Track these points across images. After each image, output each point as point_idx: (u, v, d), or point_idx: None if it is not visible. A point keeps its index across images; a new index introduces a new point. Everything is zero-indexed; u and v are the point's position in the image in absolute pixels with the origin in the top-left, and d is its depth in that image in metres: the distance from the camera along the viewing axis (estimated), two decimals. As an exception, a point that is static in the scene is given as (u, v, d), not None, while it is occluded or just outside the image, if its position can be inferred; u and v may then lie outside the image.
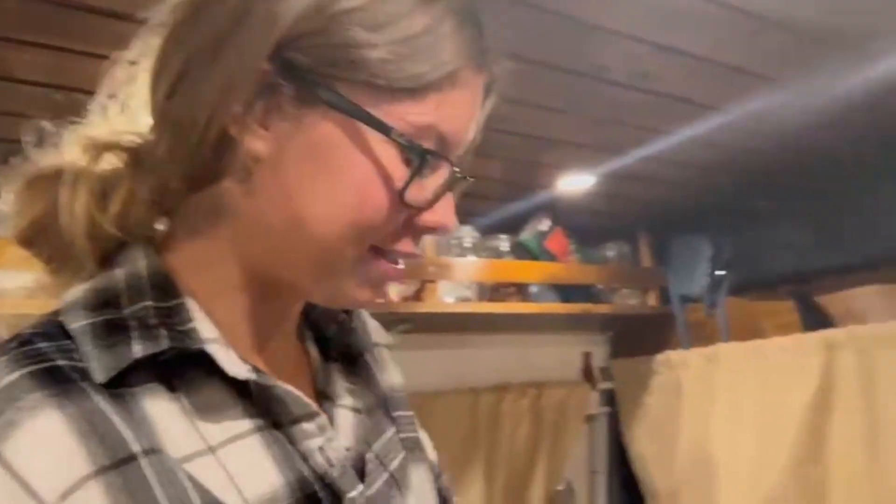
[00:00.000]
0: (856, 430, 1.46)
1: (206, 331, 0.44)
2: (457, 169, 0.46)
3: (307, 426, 0.46)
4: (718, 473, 1.62)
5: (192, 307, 0.45)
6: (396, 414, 0.59)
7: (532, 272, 1.61)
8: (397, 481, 0.53)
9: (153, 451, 0.39)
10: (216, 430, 0.42)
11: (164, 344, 0.42)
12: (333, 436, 0.48)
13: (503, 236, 1.66)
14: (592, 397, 1.97)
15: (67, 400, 0.38)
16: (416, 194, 0.45)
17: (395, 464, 0.54)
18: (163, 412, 0.41)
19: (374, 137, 0.43)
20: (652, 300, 1.87)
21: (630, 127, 1.24)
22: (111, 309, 0.43)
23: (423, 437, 0.63)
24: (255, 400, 0.45)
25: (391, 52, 0.42)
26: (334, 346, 0.56)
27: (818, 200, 1.53)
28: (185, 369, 0.43)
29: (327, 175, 0.43)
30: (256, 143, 0.44)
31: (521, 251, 1.65)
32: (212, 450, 0.42)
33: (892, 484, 1.40)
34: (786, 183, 1.54)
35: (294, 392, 0.46)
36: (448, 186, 0.46)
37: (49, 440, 0.37)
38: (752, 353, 1.64)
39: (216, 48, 0.42)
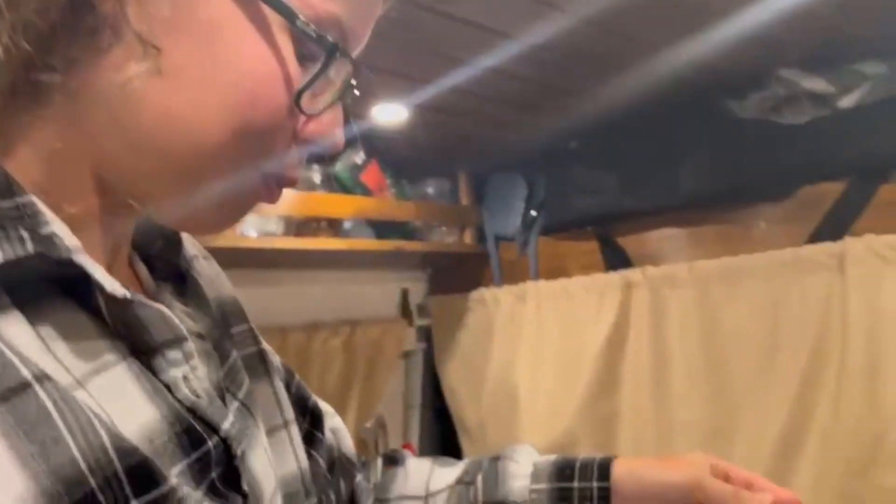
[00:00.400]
0: (645, 366, 1.54)
1: (68, 238, 0.36)
2: (364, 70, 0.41)
3: (172, 354, 0.41)
4: (521, 408, 1.67)
5: (44, 208, 0.36)
6: (234, 330, 0.55)
7: (345, 206, 1.53)
8: (249, 409, 0.49)
9: (46, 376, 0.32)
10: (78, 361, 0.36)
11: (29, 248, 0.34)
12: (197, 364, 0.43)
13: (314, 167, 1.57)
14: (409, 334, 1.97)
15: None
16: (307, 100, 0.39)
17: (243, 391, 0.50)
18: (20, 336, 0.34)
19: (275, 24, 0.38)
20: (468, 238, 1.87)
21: (436, 55, 1.18)
22: None
23: (266, 346, 0.59)
24: (116, 324, 0.38)
25: None
26: (161, 266, 0.49)
27: (622, 145, 1.56)
28: (30, 285, 0.35)
29: (216, 65, 0.37)
30: (128, 11, 0.35)
31: (334, 184, 1.57)
32: (80, 383, 0.35)
33: (673, 417, 1.50)
34: (592, 126, 1.56)
35: (168, 314, 0.40)
36: (348, 89, 0.41)
37: None
38: (557, 292, 1.69)
39: None
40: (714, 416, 1.45)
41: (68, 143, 0.38)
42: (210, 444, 0.40)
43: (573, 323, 1.65)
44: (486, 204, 1.86)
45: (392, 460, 0.71)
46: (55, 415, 0.32)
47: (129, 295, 0.37)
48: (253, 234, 1.44)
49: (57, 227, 0.36)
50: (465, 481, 0.66)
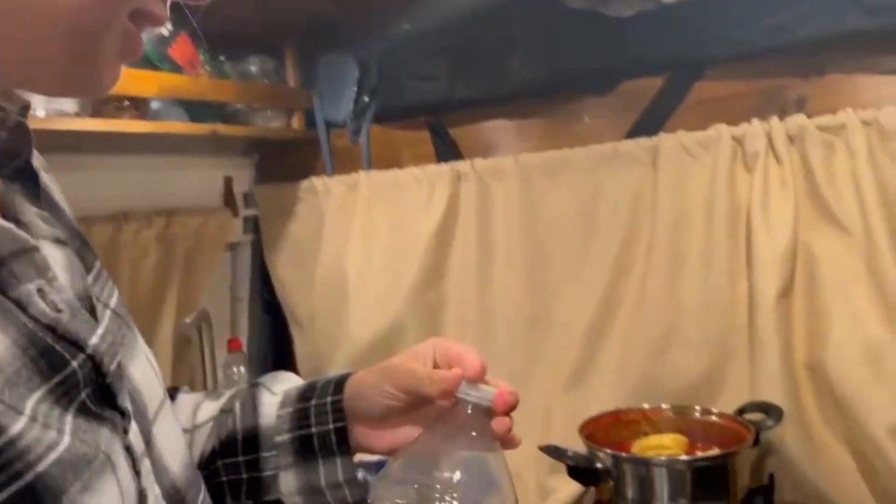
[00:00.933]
0: (471, 256, 1.56)
1: None
2: None
3: (19, 267, 0.37)
4: (351, 299, 1.66)
5: None
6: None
7: (149, 84, 1.38)
8: (122, 316, 0.47)
9: None
10: None
11: None
12: (56, 274, 0.39)
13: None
14: (235, 224, 1.87)
15: None
16: None
17: (115, 298, 0.48)
18: None
19: None
20: (297, 123, 1.77)
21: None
22: None
23: None
24: None
25: None
26: (5, 163, 0.43)
27: (454, 31, 1.50)
28: None
29: None
30: None
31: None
32: None
33: (495, 305, 1.54)
34: (425, 8, 1.48)
35: (5, 225, 0.37)
36: None
37: None
38: (389, 182, 1.65)
39: None
40: (532, 304, 1.50)
41: None
42: (74, 364, 0.37)
43: (404, 214, 1.63)
44: (317, 86, 1.75)
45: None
46: None
47: None
48: (41, 113, 1.26)
49: None
50: (225, 409, 0.66)
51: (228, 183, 1.84)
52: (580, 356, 1.43)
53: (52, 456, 0.34)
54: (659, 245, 1.33)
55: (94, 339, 0.39)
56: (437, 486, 0.52)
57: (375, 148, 1.71)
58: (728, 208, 1.26)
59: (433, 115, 1.63)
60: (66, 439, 0.36)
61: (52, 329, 0.37)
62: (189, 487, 0.49)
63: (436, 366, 0.60)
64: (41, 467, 0.33)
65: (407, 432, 0.61)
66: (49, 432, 0.35)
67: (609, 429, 1.14)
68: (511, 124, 1.55)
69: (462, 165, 1.56)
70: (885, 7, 1.09)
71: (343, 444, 0.61)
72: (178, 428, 0.52)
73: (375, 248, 1.65)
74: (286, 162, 1.85)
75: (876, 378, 1.08)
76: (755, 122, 1.23)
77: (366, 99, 1.71)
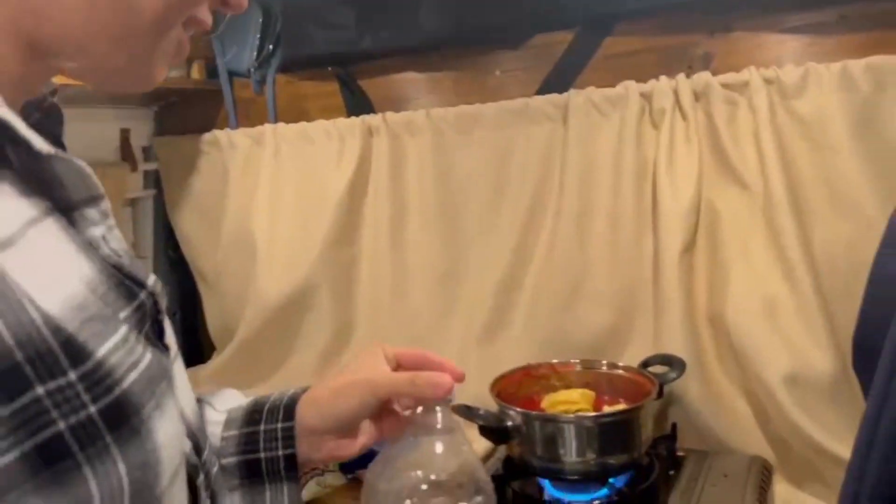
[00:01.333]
0: (383, 212, 1.53)
1: None
2: None
3: (90, 212, 0.42)
4: (259, 256, 1.61)
5: None
6: None
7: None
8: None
9: None
10: (4, 219, 0.36)
11: None
12: (113, 223, 0.45)
13: None
14: (134, 179, 1.77)
15: None
16: None
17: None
18: None
19: None
20: (197, 73, 1.67)
21: None
22: None
23: None
24: (38, 180, 0.39)
25: None
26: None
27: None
28: None
29: None
30: None
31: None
32: (10, 242, 0.36)
33: (408, 261, 1.52)
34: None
35: (88, 170, 0.42)
36: None
37: None
38: (297, 136, 1.59)
39: None
40: (445, 260, 1.50)
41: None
42: (142, 296, 0.43)
43: (314, 169, 1.58)
44: (218, 34, 1.65)
45: None
46: None
47: (53, 151, 0.38)
48: None
49: None
50: None
51: (125, 135, 1.73)
52: (492, 310, 1.44)
53: (134, 375, 0.39)
54: (568, 201, 1.34)
55: (150, 280, 0.45)
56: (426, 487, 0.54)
57: (282, 100, 1.64)
58: (635, 165, 1.27)
59: (342, 65, 1.57)
60: (147, 357, 0.41)
61: (118, 268, 0.42)
62: (199, 432, 0.52)
63: (399, 369, 0.62)
64: (125, 384, 0.38)
65: (365, 438, 0.62)
66: (134, 352, 0.40)
67: (520, 384, 1.16)
68: (422, 77, 1.51)
69: (373, 119, 1.51)
70: (789, -34, 1.10)
71: (292, 470, 0.61)
72: (185, 375, 0.53)
73: (284, 204, 1.60)
74: (187, 113, 1.75)
75: (772, 330, 1.13)
76: (663, 79, 1.24)
77: (270, 47, 1.62)
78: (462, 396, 1.37)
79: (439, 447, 0.56)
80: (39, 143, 0.38)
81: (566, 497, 1.00)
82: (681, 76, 1.22)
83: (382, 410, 0.62)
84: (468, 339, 1.46)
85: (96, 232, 0.42)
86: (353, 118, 1.53)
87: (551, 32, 1.35)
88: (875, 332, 0.80)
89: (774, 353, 1.12)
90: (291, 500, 0.61)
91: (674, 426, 1.14)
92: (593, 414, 1.05)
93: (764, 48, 1.20)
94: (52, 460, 0.34)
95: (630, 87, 1.26)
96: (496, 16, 1.36)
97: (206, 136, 1.69)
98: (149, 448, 0.39)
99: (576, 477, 1.00)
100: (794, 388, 1.10)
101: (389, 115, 1.50)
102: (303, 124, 1.58)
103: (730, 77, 1.19)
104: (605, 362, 1.18)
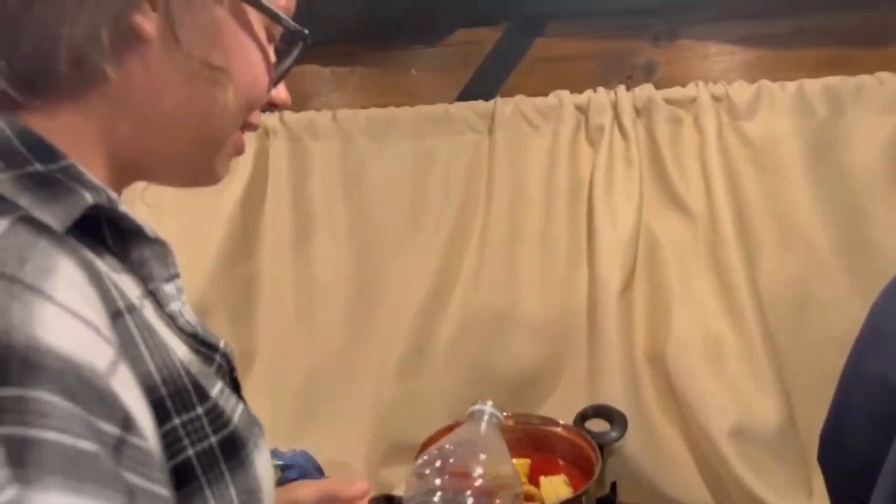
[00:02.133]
0: (285, 224, 1.35)
1: (110, 191, 0.43)
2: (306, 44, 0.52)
3: (168, 288, 0.47)
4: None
5: (84, 170, 0.42)
6: None
7: None
8: None
9: (132, 306, 0.41)
10: (126, 294, 0.41)
11: (103, 196, 0.42)
12: (185, 298, 0.49)
13: None
14: None
15: (67, 247, 0.37)
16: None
17: None
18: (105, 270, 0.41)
19: (256, 20, 0.48)
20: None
21: None
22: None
23: None
24: (136, 262, 0.45)
25: None
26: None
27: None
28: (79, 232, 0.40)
29: (222, 57, 0.46)
30: (146, 23, 0.43)
31: None
32: (140, 303, 0.43)
33: (316, 277, 1.35)
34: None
35: (175, 252, 0.48)
36: (297, 61, 0.53)
37: (80, 283, 0.36)
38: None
39: None
40: (359, 277, 1.33)
41: (94, 127, 0.44)
42: (218, 359, 0.49)
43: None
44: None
45: None
46: (139, 339, 0.40)
47: (160, 236, 0.46)
48: None
49: (98, 184, 0.42)
50: None
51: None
52: (411, 339, 1.30)
53: (237, 416, 0.46)
54: (496, 220, 1.20)
55: (222, 344, 0.50)
56: None
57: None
58: (569, 185, 1.14)
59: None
60: (241, 406, 0.48)
61: (195, 336, 0.48)
62: None
63: None
64: (234, 422, 0.46)
65: None
66: (230, 399, 0.47)
67: (446, 445, 1.03)
68: (325, 71, 1.31)
69: (269, 118, 1.31)
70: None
71: None
72: None
73: (165, 216, 1.38)
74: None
75: (715, 374, 1.05)
76: (601, 90, 1.10)
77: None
78: (380, 442, 1.24)
79: None
80: (149, 230, 0.45)
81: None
82: (621, 88, 1.09)
83: None
84: (384, 371, 1.31)
85: (174, 306, 0.47)
86: (245, 116, 1.32)
87: (475, 28, 1.18)
88: (846, 433, 0.72)
89: (718, 401, 1.04)
90: None
91: (613, 485, 1.05)
92: None
93: (712, 59, 1.08)
94: (184, 482, 0.41)
95: (564, 98, 1.12)
96: (413, 6, 1.18)
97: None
98: (252, 478, 0.46)
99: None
100: (740, 439, 1.02)
101: (288, 114, 1.30)
102: (186, 122, 1.36)
103: (675, 92, 1.07)
104: (539, 417, 1.07)
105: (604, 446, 0.99)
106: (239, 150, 0.53)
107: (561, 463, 1.01)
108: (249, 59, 0.48)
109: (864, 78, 1.00)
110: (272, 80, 0.50)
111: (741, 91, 1.03)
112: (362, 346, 1.34)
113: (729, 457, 1.01)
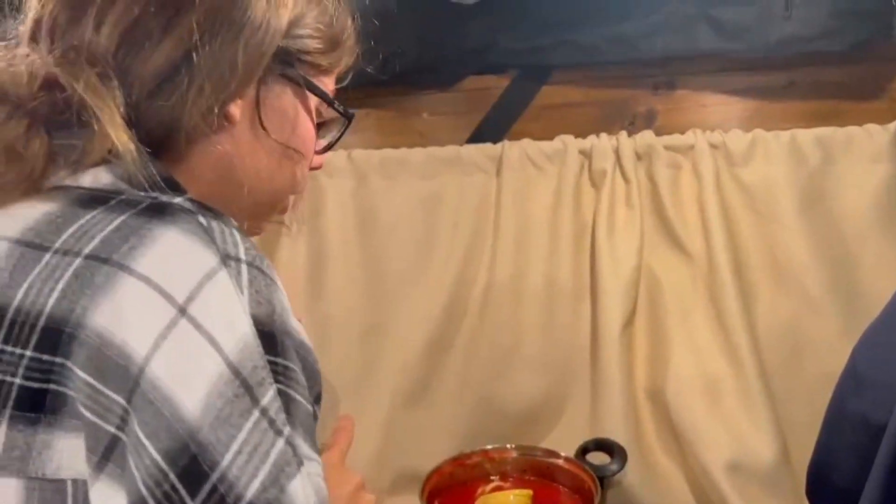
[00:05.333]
0: (300, 259, 1.40)
1: None
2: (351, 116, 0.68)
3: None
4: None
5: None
6: None
7: None
8: None
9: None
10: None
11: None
12: None
13: None
14: None
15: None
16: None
17: None
18: None
19: (312, 103, 0.61)
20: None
21: None
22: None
23: None
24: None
25: (330, 44, 0.62)
26: None
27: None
28: None
29: (287, 134, 0.58)
30: (233, 108, 0.55)
31: None
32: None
33: (329, 311, 1.40)
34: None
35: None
36: (340, 137, 0.69)
37: None
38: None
39: (228, 39, 0.53)
40: (370, 312, 1.38)
41: (188, 177, 0.54)
42: None
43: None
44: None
45: None
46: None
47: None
48: None
49: None
50: None
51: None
52: (420, 371, 1.34)
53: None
54: (502, 258, 1.25)
55: None
56: None
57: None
58: (573, 226, 1.19)
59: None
60: None
61: None
62: None
63: None
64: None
65: None
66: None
67: (452, 476, 1.07)
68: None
69: (287, 158, 1.37)
70: (737, 31, 1.03)
71: None
72: None
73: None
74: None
75: (713, 412, 1.09)
76: (603, 136, 1.16)
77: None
78: (387, 473, 1.28)
79: None
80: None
81: None
82: (622, 134, 1.14)
83: None
84: (393, 401, 1.35)
85: None
86: (265, 155, 1.38)
87: (484, 75, 1.24)
88: (830, 470, 0.75)
89: (716, 437, 1.07)
90: None
91: (612, 518, 1.08)
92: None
93: (709, 109, 1.13)
94: None
95: (568, 143, 1.17)
96: (424, 53, 1.24)
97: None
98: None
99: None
100: (736, 475, 1.05)
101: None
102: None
103: (674, 139, 1.12)
104: (541, 449, 1.11)
105: (604, 478, 1.02)
106: (284, 210, 0.63)
107: (563, 494, 1.04)
108: (306, 135, 0.59)
109: (854, 129, 1.05)
110: (318, 152, 0.62)
111: (737, 139, 1.08)
112: (372, 378, 1.39)
113: (725, 490, 1.05)
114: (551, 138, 1.19)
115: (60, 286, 0.40)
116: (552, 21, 1.15)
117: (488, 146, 1.23)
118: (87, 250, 0.41)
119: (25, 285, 0.40)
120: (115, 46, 0.51)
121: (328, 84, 0.64)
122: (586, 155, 1.17)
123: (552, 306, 1.21)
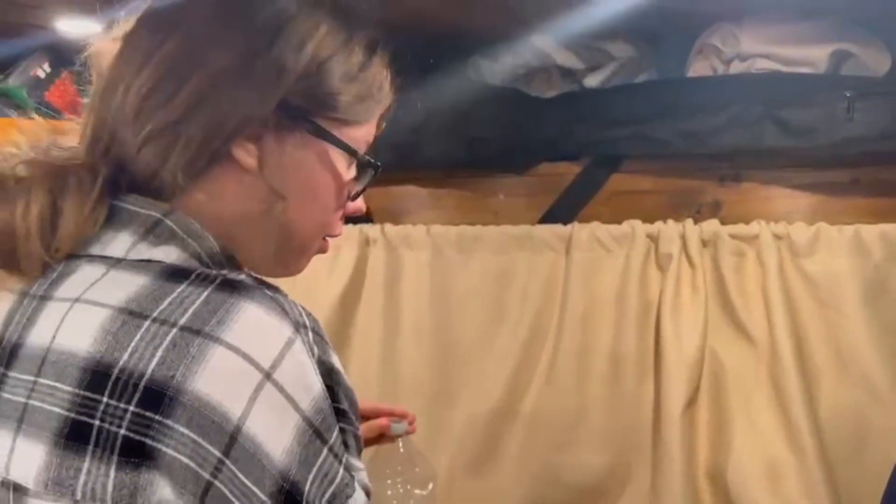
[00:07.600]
0: (376, 324, 1.49)
1: None
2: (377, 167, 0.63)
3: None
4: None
5: None
6: None
7: (13, 132, 1.21)
8: None
9: None
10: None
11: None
12: None
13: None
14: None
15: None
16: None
17: None
18: None
19: (337, 155, 0.59)
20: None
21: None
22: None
23: None
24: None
25: (356, 97, 0.60)
26: None
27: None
28: None
29: (308, 187, 0.59)
30: (246, 157, 0.56)
31: (4, 103, 1.24)
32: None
33: (400, 375, 1.47)
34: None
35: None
36: (370, 184, 0.64)
37: None
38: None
39: (236, 84, 0.55)
40: (438, 378, 1.45)
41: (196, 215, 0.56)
42: None
43: (306, 274, 1.52)
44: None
45: None
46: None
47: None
48: None
49: None
50: None
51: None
52: (484, 438, 1.39)
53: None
54: (568, 334, 1.30)
55: None
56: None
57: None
58: (639, 305, 1.24)
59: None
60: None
61: None
62: None
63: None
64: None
65: None
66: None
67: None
68: (424, 192, 1.48)
69: (371, 230, 1.48)
70: (802, 129, 1.09)
71: None
72: None
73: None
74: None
75: (775, 496, 1.10)
76: (670, 222, 1.22)
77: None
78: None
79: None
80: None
81: None
82: (688, 221, 1.20)
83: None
84: (455, 467, 1.40)
85: None
86: (351, 226, 1.49)
87: (558, 162, 1.33)
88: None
89: (777, 522, 1.08)
90: None
91: None
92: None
93: (773, 201, 1.19)
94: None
95: (636, 227, 1.24)
96: (502, 141, 1.34)
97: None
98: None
99: None
100: (797, 563, 1.05)
101: (388, 226, 1.46)
102: (297, 228, 1.54)
103: (739, 228, 1.17)
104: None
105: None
106: (322, 251, 0.63)
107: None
108: (330, 188, 0.59)
109: (917, 226, 1.08)
110: (348, 199, 0.61)
111: (801, 231, 1.13)
112: (437, 442, 1.44)
113: (785, 578, 1.05)
114: (620, 222, 1.26)
115: (160, 353, 0.47)
116: (625, 115, 1.24)
117: (559, 227, 1.31)
118: (181, 322, 0.48)
119: (130, 348, 0.48)
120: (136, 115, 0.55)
121: (359, 132, 0.61)
122: (653, 239, 1.23)
123: (616, 382, 1.25)
